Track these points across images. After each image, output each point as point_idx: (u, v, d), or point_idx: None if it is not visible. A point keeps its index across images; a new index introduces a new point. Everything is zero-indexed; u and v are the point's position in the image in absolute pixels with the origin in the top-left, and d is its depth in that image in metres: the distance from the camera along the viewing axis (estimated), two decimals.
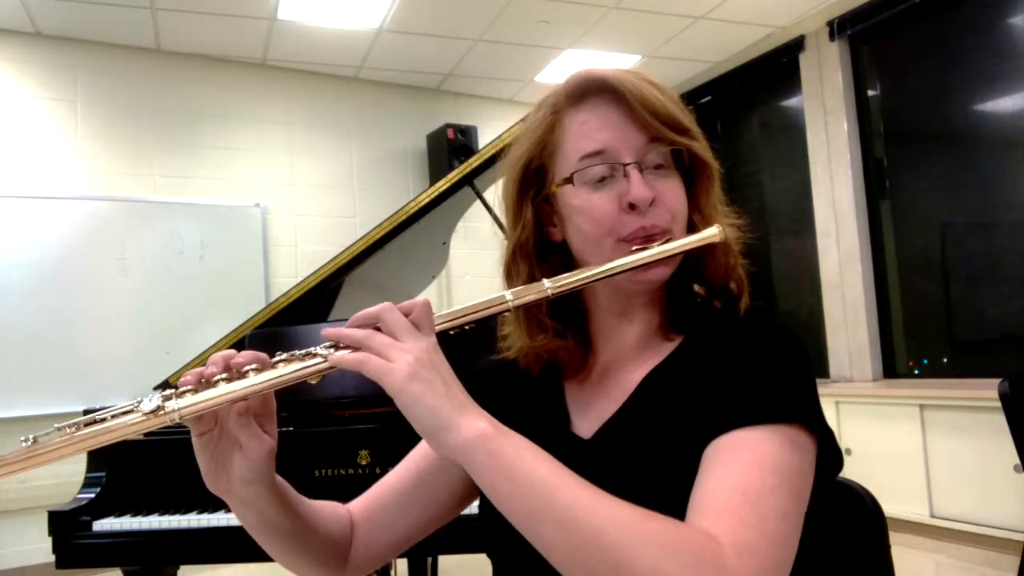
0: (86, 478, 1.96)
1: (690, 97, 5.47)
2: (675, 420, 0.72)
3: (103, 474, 1.94)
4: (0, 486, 3.73)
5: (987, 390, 2.70)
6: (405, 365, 0.63)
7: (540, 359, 0.84)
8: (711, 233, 0.75)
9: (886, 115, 4.38)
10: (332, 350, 0.66)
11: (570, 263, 0.80)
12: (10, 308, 3.85)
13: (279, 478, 0.75)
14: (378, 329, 0.67)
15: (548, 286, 0.72)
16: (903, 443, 3.59)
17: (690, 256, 0.78)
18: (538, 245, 0.81)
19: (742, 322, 0.78)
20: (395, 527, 0.85)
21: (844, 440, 3.82)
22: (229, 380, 0.65)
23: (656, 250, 0.74)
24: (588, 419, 0.80)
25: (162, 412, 0.63)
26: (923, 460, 3.52)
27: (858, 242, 4.31)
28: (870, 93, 4.42)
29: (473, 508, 0.87)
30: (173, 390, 0.65)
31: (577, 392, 0.84)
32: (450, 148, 4.87)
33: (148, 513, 1.86)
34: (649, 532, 0.58)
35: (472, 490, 0.86)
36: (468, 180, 2.32)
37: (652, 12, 4.26)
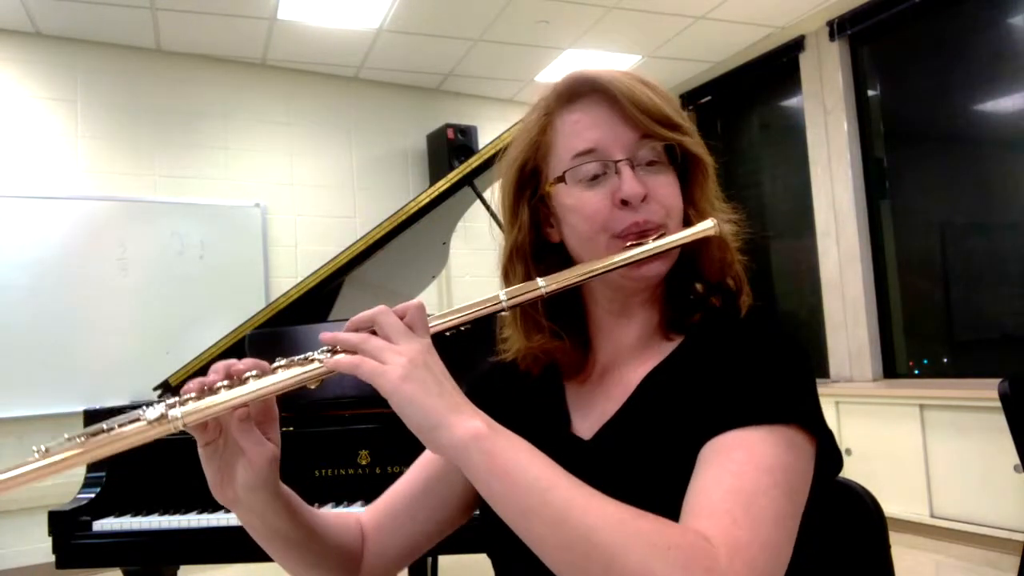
0: (86, 478, 1.97)
1: (690, 97, 5.48)
2: (675, 421, 0.72)
3: (103, 474, 1.94)
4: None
5: (987, 390, 2.70)
6: (399, 367, 0.64)
7: (538, 360, 0.84)
8: (706, 226, 0.75)
9: (886, 115, 4.38)
10: (329, 354, 0.67)
11: (568, 264, 0.80)
12: (10, 308, 3.85)
13: (285, 487, 0.75)
14: (374, 332, 0.67)
15: (542, 285, 0.72)
16: (903, 443, 3.59)
17: (687, 253, 0.78)
18: (535, 246, 0.82)
19: (742, 322, 0.77)
20: (405, 534, 0.85)
21: (844, 440, 3.83)
22: (231, 387, 0.67)
23: (651, 245, 0.74)
24: (588, 420, 0.80)
25: (166, 420, 0.64)
26: (923, 460, 3.52)
27: (858, 242, 4.31)
28: (870, 93, 4.42)
29: None
30: (176, 398, 0.66)
31: (577, 392, 0.84)
32: (450, 148, 4.87)
33: (148, 513, 1.86)
34: (640, 532, 0.58)
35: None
36: (468, 180, 2.32)
37: (652, 12, 4.26)
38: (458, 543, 0.88)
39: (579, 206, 0.76)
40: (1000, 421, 2.06)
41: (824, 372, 4.45)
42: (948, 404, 3.47)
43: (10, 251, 3.89)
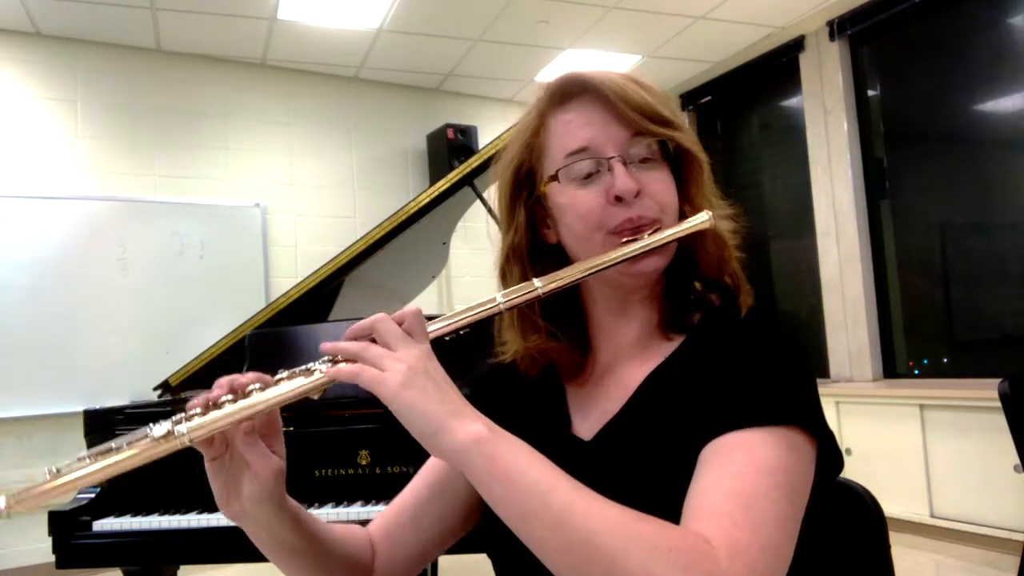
0: None
1: (690, 97, 5.48)
2: (676, 422, 0.72)
3: None
4: (0, 486, 3.73)
5: (987, 390, 2.70)
6: (398, 374, 0.64)
7: (536, 362, 0.84)
8: (700, 219, 0.75)
9: (886, 115, 4.38)
10: (330, 364, 0.68)
11: (566, 264, 0.80)
12: (10, 308, 3.85)
13: (291, 500, 0.75)
14: (374, 340, 0.68)
15: (539, 285, 0.72)
16: (903, 443, 3.59)
17: (684, 251, 0.78)
18: (532, 247, 0.82)
19: (743, 323, 0.77)
20: (414, 542, 0.86)
21: (844, 440, 3.83)
22: (235, 401, 0.67)
23: (646, 241, 0.74)
24: (589, 420, 0.80)
25: (173, 436, 0.65)
26: (923, 460, 3.51)
27: (858, 242, 4.31)
28: (870, 93, 4.42)
29: None
30: (182, 414, 0.67)
31: (577, 393, 0.84)
32: (450, 148, 4.87)
33: (148, 513, 1.86)
34: (641, 534, 0.58)
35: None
36: (468, 180, 2.33)
37: (652, 12, 4.26)
38: (458, 543, 0.88)
39: (573, 204, 0.77)
40: (1000, 421, 2.06)
41: (824, 372, 4.45)
42: (948, 404, 3.47)
43: (10, 251, 3.89)
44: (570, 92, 0.79)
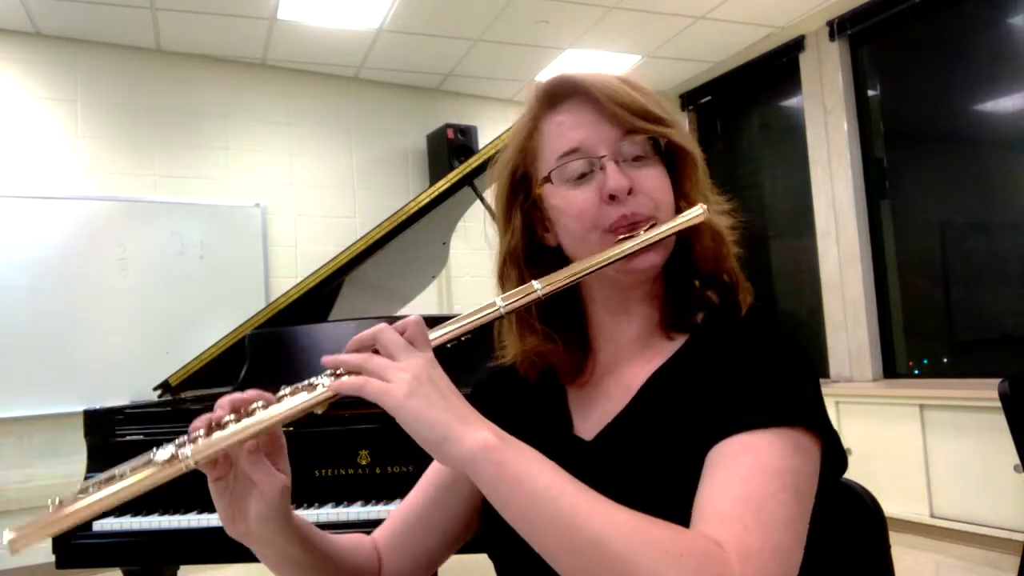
0: (86, 478, 1.96)
1: (690, 97, 5.48)
2: (679, 423, 0.71)
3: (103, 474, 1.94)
4: (0, 486, 3.73)
5: (987, 390, 2.70)
6: (403, 384, 0.64)
7: (535, 364, 0.84)
8: (695, 213, 0.75)
9: (886, 115, 4.38)
10: (333, 378, 0.67)
11: (565, 266, 0.80)
12: (10, 308, 3.85)
13: (297, 515, 0.75)
14: (376, 351, 0.67)
15: (538, 287, 0.72)
16: (903, 443, 3.59)
17: (682, 247, 0.78)
18: (529, 251, 0.82)
19: (745, 323, 0.77)
20: (420, 549, 0.86)
21: (844, 440, 3.79)
22: (238, 420, 0.67)
23: (642, 237, 0.74)
24: (590, 421, 0.80)
25: (177, 460, 0.65)
26: (923, 460, 3.51)
27: (858, 242, 4.31)
28: (870, 93, 4.42)
29: None
30: (185, 437, 0.66)
31: (578, 394, 0.84)
32: (450, 148, 4.86)
33: (148, 513, 1.86)
34: (653, 539, 0.58)
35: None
36: (468, 180, 2.33)
37: (652, 12, 4.26)
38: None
39: (567, 205, 0.77)
40: (1000, 421, 2.06)
41: (824, 372, 4.45)
42: (948, 404, 3.47)
43: (10, 251, 3.89)
44: (561, 94, 0.79)
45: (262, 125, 4.72)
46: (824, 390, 0.73)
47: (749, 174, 5.20)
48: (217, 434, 0.66)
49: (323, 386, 0.67)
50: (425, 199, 2.27)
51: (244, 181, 4.61)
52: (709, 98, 5.39)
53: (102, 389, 3.84)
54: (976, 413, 3.32)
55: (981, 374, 3.70)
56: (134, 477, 0.65)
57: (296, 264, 4.64)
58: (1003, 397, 2.01)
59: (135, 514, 1.87)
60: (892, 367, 4.27)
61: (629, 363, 0.80)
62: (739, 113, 5.33)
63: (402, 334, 0.68)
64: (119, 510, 1.88)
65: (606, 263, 0.73)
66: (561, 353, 0.82)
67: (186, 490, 1.87)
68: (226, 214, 4.49)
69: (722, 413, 0.68)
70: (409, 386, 0.64)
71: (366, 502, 1.82)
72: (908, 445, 3.56)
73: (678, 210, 0.78)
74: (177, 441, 0.66)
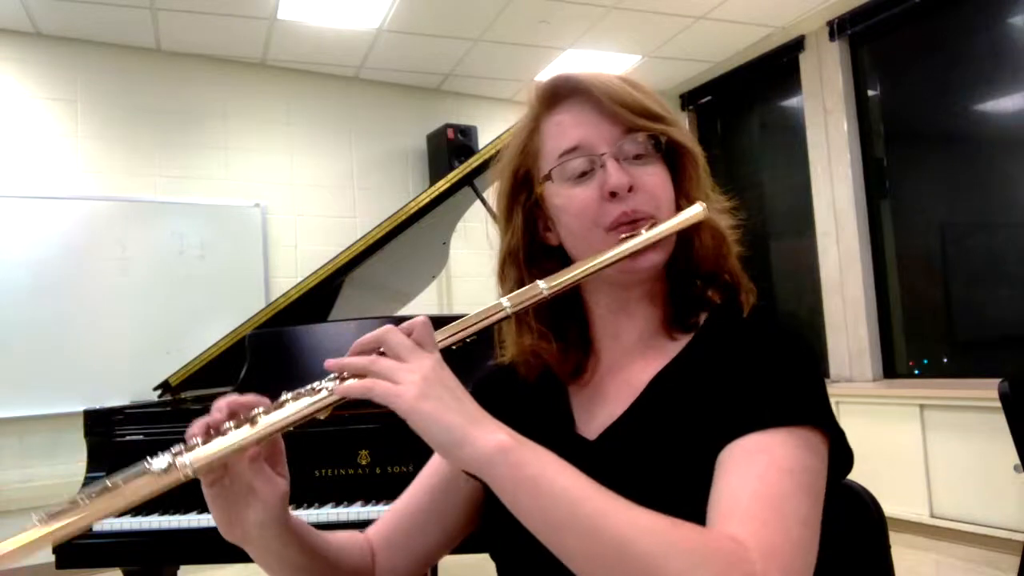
0: (86, 478, 1.97)
1: (690, 97, 5.47)
2: (685, 422, 0.71)
3: (103, 474, 1.94)
4: (0, 486, 3.73)
5: (987, 390, 2.69)
6: (413, 386, 0.63)
7: (532, 365, 0.84)
8: (695, 211, 0.75)
9: (886, 115, 4.38)
10: (337, 381, 0.66)
11: (566, 266, 0.79)
12: (10, 308, 3.85)
13: (294, 516, 0.75)
14: (382, 354, 0.66)
15: (544, 287, 0.72)
16: (903, 443, 3.59)
17: (683, 246, 0.78)
18: (530, 250, 0.82)
19: (748, 323, 0.77)
20: (415, 547, 0.85)
21: None
22: (238, 426, 0.65)
23: (643, 236, 0.74)
24: (593, 421, 0.80)
25: (175, 469, 0.62)
26: (923, 460, 3.52)
27: (858, 242, 4.31)
28: (870, 93, 4.42)
29: None
30: (182, 445, 0.64)
31: (580, 394, 0.83)
32: (450, 148, 4.86)
33: (148, 513, 1.86)
34: (677, 540, 0.58)
35: (484, 499, 0.85)
36: (468, 180, 2.32)
37: (652, 12, 4.25)
38: (460, 543, 0.88)
39: (568, 204, 0.77)
40: (1000, 421, 2.06)
41: (824, 372, 4.43)
42: (948, 404, 3.47)
43: (10, 251, 3.89)
44: (561, 94, 0.79)
45: (262, 125, 4.72)
46: None
47: (749, 174, 5.19)
48: (217, 441, 0.64)
49: (327, 390, 0.65)
50: (425, 199, 2.27)
51: (244, 181, 4.60)
52: (709, 98, 5.39)
53: (102, 389, 3.84)
54: (976, 413, 3.32)
55: (981, 374, 3.69)
56: (128, 488, 0.62)
57: (296, 264, 4.64)
58: (1003, 397, 2.01)
59: (135, 514, 1.87)
60: (892, 367, 4.27)
61: (632, 363, 0.80)
62: (739, 113, 5.33)
63: (409, 335, 0.67)
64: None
65: (609, 262, 0.73)
66: (556, 353, 0.82)
67: (186, 490, 1.87)
68: (226, 214, 4.49)
69: (732, 413, 0.68)
70: (419, 388, 0.63)
71: (366, 502, 1.82)
72: (908, 445, 3.56)
73: (678, 208, 0.78)
74: (174, 449, 0.64)
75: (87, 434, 2.00)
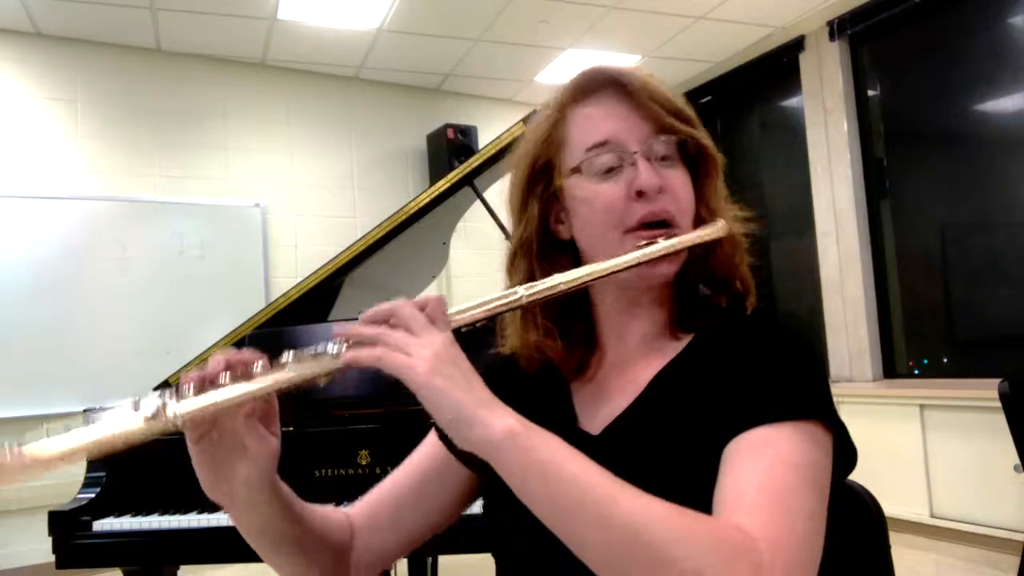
0: (86, 478, 1.96)
1: (690, 97, 5.41)
2: (688, 417, 0.72)
3: (103, 474, 1.94)
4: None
5: (987, 390, 2.69)
6: (425, 360, 0.62)
7: (534, 359, 0.83)
8: (716, 229, 0.76)
9: (886, 115, 4.37)
10: (344, 348, 0.64)
11: (577, 262, 0.79)
12: (10, 308, 3.85)
13: (281, 482, 0.74)
14: (392, 326, 0.65)
15: (560, 280, 0.72)
16: (903, 443, 3.59)
17: (695, 252, 0.78)
18: (543, 243, 0.81)
19: (750, 322, 0.78)
20: (397, 530, 0.85)
21: None
22: (234, 380, 0.63)
23: (662, 245, 0.73)
24: (596, 416, 0.80)
25: (163, 416, 0.60)
26: (923, 460, 3.51)
27: (858, 242, 4.31)
28: (870, 93, 4.42)
29: (474, 508, 0.87)
30: (172, 389, 0.62)
31: (583, 389, 0.83)
32: (450, 148, 4.86)
33: (148, 513, 1.86)
34: (686, 527, 0.58)
35: (474, 491, 0.85)
36: (468, 180, 2.32)
37: (652, 12, 4.25)
38: (459, 543, 0.88)
39: (593, 198, 0.76)
40: (1000, 421, 2.06)
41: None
42: (948, 404, 3.47)
43: (10, 251, 3.89)
44: (592, 86, 0.79)
45: (262, 125, 4.72)
46: None
47: (749, 174, 5.19)
48: (213, 394, 0.62)
49: (332, 355, 0.64)
50: (425, 199, 2.27)
51: (244, 181, 4.61)
52: (709, 98, 5.39)
53: (102, 389, 3.84)
54: (976, 413, 3.32)
55: (981, 374, 3.69)
56: (107, 427, 0.59)
57: (296, 264, 4.64)
58: (1003, 397, 2.01)
59: (135, 514, 1.87)
60: (892, 367, 4.27)
61: (636, 361, 0.80)
62: (739, 113, 5.33)
63: (422, 310, 0.66)
64: (119, 510, 1.89)
65: (626, 266, 0.73)
66: (560, 351, 0.82)
67: (186, 490, 1.87)
68: (226, 214, 4.49)
69: (737, 407, 0.68)
70: (431, 364, 0.62)
71: None
72: (908, 445, 3.56)
73: (697, 214, 0.78)
74: (164, 393, 0.61)
75: None
